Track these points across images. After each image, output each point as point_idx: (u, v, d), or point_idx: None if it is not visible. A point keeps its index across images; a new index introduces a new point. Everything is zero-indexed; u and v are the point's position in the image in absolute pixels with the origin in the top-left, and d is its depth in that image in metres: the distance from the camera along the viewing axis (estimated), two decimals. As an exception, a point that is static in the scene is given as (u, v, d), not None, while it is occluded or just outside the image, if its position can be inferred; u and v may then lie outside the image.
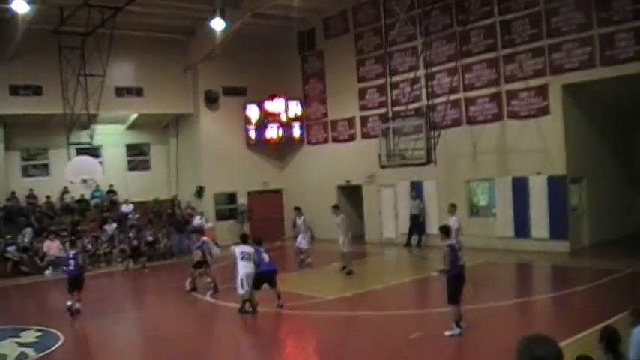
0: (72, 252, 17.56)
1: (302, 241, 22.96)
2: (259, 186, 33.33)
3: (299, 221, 23.28)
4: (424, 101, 24.96)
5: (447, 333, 12.52)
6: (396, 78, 27.00)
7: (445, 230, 13.51)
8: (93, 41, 26.89)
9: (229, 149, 32.12)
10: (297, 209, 23.85)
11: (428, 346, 12.26)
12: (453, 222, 18.29)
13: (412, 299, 18.08)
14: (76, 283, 17.09)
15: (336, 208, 22.91)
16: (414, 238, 26.63)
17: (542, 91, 22.62)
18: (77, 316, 16.87)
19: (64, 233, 27.29)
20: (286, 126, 32.45)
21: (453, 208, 19.83)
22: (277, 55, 33.13)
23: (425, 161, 22.80)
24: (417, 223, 26.68)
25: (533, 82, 22.84)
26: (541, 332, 3.75)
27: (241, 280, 15.80)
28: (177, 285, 20.58)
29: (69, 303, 16.88)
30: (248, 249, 16.33)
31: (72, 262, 17.19)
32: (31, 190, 29.47)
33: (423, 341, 12.48)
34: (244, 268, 15.88)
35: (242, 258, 16.06)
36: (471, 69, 24.83)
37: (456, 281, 12.77)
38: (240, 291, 15.89)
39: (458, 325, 12.65)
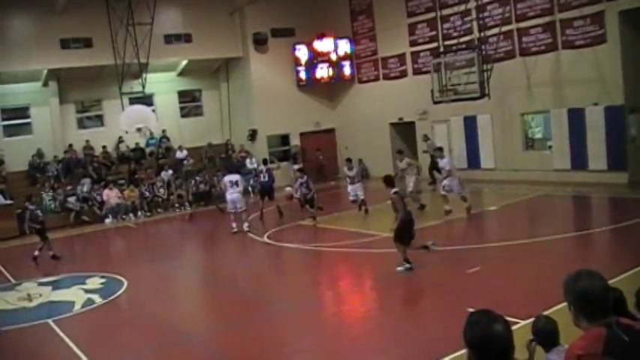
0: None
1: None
2: (311, 126, 33.30)
3: (350, 172, 21.63)
4: (476, 34, 24.43)
5: (399, 268, 13.22)
6: (446, 11, 26.45)
7: (387, 180, 13.84)
8: (139, -10, 26.98)
9: (280, 91, 32.05)
10: (400, 152, 23.12)
11: (487, 280, 12.27)
12: (445, 163, 19.74)
13: (468, 234, 18.01)
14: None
15: (400, 153, 22.51)
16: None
17: (597, 19, 21.86)
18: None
19: (122, 182, 27.85)
20: (336, 65, 32.16)
21: (440, 152, 21.25)
22: (324, -7, 32.75)
23: (478, 95, 22.45)
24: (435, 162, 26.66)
25: (588, 10, 22.04)
26: (588, 268, 3.71)
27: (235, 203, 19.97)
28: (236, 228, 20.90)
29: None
30: (235, 177, 20.57)
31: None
32: (87, 141, 30.00)
33: (481, 275, 12.50)
34: (231, 195, 20.02)
35: (230, 186, 20.14)
36: (523, -2, 24.17)
37: (405, 225, 13.18)
38: (231, 210, 20.17)
39: (408, 261, 13.24)
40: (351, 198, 21.40)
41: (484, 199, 22.98)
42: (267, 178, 22.52)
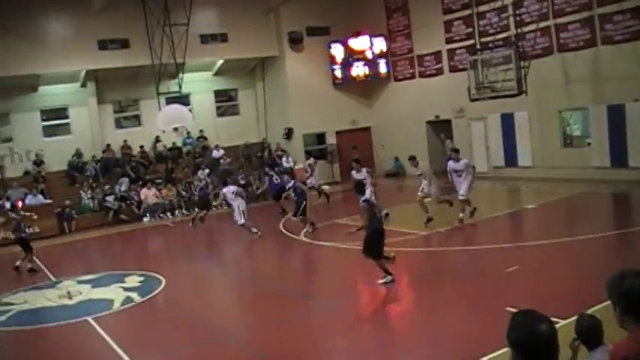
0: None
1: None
2: (347, 124, 33.25)
3: (358, 175, 19.61)
4: (512, 30, 24.23)
5: (380, 281, 12.66)
6: (482, 8, 26.17)
7: (357, 187, 13.69)
8: (175, -10, 27.24)
9: (316, 89, 32.07)
10: (356, 161, 20.76)
11: (526, 279, 12.13)
12: (461, 165, 18.20)
13: (507, 233, 17.83)
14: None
15: (412, 159, 19.29)
16: None
17: (637, 14, 21.47)
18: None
19: (159, 181, 28.11)
20: (372, 63, 32.08)
21: (456, 154, 18.92)
22: (359, -9, 32.66)
23: (516, 92, 22.23)
24: None
25: (628, 4, 21.66)
26: (631, 267, 3.64)
27: (242, 212, 19.49)
28: (272, 226, 20.96)
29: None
30: (235, 189, 20.37)
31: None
32: (125, 141, 30.38)
33: (520, 274, 12.35)
34: (241, 206, 19.61)
35: (235, 197, 19.76)
36: (561, -7, 23.86)
37: (375, 236, 12.62)
38: (242, 221, 19.50)
39: (388, 272, 12.71)
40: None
41: (522, 197, 22.75)
42: (278, 181, 23.26)
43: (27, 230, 18.95)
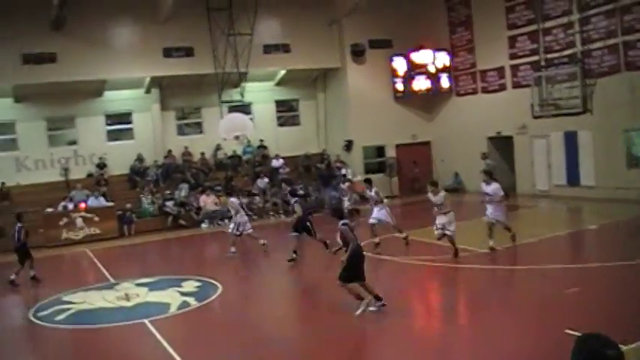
0: None
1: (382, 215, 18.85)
2: (407, 138, 33.11)
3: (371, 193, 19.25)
4: (579, 47, 23.87)
5: (357, 312, 11.94)
6: (548, 24, 25.84)
7: (336, 212, 13.31)
8: (240, 1, 27.66)
9: (377, 102, 32.03)
10: (367, 181, 19.96)
11: (586, 301, 11.83)
12: (495, 189, 16.81)
13: (567, 253, 17.52)
14: None
15: (434, 185, 17.35)
16: None
17: None
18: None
19: (219, 188, 28.38)
20: (434, 77, 31.90)
21: (488, 176, 17.49)
22: (422, 4, 32.37)
23: (580, 110, 21.90)
24: None
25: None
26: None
27: (239, 225, 19.80)
28: (331, 238, 20.92)
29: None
30: (239, 200, 20.83)
31: None
32: (186, 147, 30.83)
33: (581, 296, 12.08)
34: (242, 217, 19.91)
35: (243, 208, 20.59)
36: (630, 10, 23.26)
37: (353, 260, 12.13)
38: (237, 232, 19.80)
39: (360, 298, 12.12)
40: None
41: (583, 217, 22.32)
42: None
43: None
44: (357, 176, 30.25)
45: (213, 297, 14.72)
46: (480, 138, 30.15)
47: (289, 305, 14.95)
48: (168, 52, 28.70)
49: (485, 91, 30.26)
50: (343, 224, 12.53)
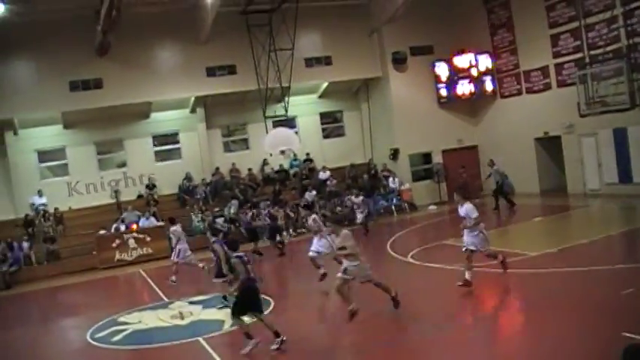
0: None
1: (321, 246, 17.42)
2: (453, 143, 32.93)
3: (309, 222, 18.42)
4: (624, 42, 23.47)
5: (243, 352, 11.63)
6: (590, 19, 25.45)
7: (232, 244, 13.01)
8: (279, 17, 28.08)
9: (421, 109, 31.94)
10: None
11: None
12: (468, 210, 14.23)
13: (621, 253, 17.18)
14: None
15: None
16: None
17: None
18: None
19: (267, 203, 28.51)
20: (477, 80, 31.71)
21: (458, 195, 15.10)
22: (461, 8, 32.30)
23: (628, 106, 21.50)
24: (499, 188, 27.24)
25: None
26: None
27: (179, 251, 19.71)
28: (380, 248, 20.90)
29: None
30: (176, 228, 20.15)
31: None
32: (233, 164, 31.15)
33: (637, 297, 11.83)
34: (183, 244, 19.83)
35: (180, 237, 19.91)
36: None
37: (243, 295, 11.69)
38: (175, 259, 19.74)
39: (250, 337, 11.72)
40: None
41: (636, 215, 21.89)
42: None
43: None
44: (404, 184, 30.25)
45: (266, 312, 14.76)
46: (527, 139, 29.84)
47: (343, 318, 14.91)
48: (211, 71, 29.15)
49: (529, 91, 29.92)
50: (237, 257, 11.95)
